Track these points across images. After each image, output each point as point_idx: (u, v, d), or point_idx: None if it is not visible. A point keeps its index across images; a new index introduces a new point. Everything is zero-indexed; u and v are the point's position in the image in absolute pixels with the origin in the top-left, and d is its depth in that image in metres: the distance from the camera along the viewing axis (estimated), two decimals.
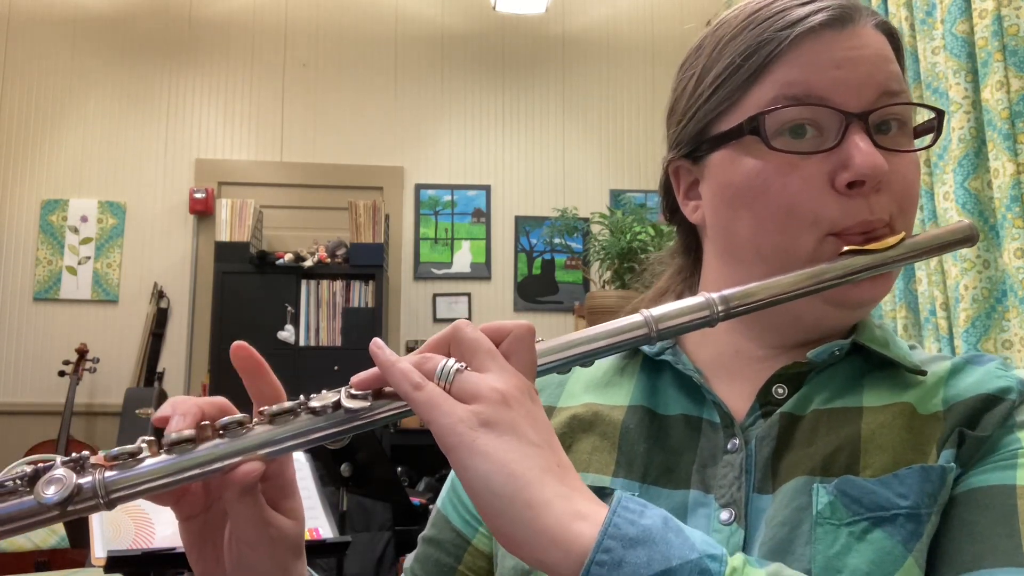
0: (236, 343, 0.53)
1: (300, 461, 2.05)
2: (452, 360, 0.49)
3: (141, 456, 0.47)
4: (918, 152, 0.62)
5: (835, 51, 0.59)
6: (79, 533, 2.94)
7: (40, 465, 0.45)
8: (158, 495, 0.50)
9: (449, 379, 0.48)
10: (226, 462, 0.48)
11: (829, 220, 0.58)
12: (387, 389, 0.50)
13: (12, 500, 0.45)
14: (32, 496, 0.44)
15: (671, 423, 0.65)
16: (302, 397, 0.50)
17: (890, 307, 2.45)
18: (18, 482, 0.45)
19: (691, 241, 0.73)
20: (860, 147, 0.57)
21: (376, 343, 0.50)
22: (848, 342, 0.62)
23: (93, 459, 0.47)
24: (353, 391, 0.50)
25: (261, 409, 0.50)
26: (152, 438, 0.48)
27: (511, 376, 0.48)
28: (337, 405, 0.49)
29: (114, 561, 1.67)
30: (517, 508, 0.44)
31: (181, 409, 0.50)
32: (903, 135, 0.61)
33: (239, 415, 0.50)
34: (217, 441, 0.48)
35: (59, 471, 0.45)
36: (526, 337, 0.51)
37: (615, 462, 0.64)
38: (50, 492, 0.44)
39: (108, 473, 0.46)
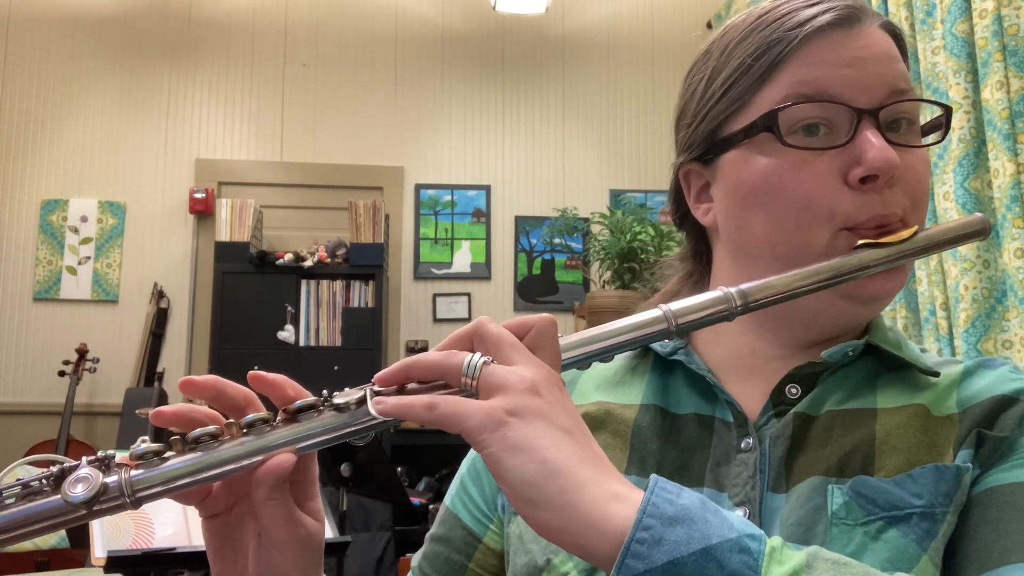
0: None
1: None
2: (478, 355, 0.48)
3: (166, 455, 0.47)
4: (926, 149, 0.62)
5: (844, 50, 0.60)
6: (79, 533, 2.94)
7: (66, 465, 0.46)
8: (183, 494, 0.49)
9: (476, 373, 0.47)
10: (252, 459, 0.48)
11: (844, 215, 0.58)
12: (411, 386, 0.50)
13: (39, 500, 0.45)
14: (59, 496, 0.45)
15: (683, 422, 0.65)
16: (325, 393, 0.50)
17: (890, 307, 2.45)
18: (44, 482, 0.45)
19: (700, 246, 0.73)
20: (872, 142, 0.58)
21: (379, 402, 0.48)
22: (862, 342, 0.62)
23: (119, 458, 0.47)
24: (377, 388, 0.49)
25: (285, 408, 0.50)
26: (177, 436, 0.48)
27: (538, 367, 0.48)
28: (362, 402, 0.49)
29: (114, 561, 1.67)
30: (551, 494, 0.43)
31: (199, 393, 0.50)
32: (912, 133, 0.62)
33: (263, 412, 0.50)
34: (242, 439, 0.48)
35: (85, 470, 0.45)
36: (549, 330, 0.51)
37: (627, 460, 0.64)
38: (77, 491, 0.44)
39: (134, 472, 0.46)
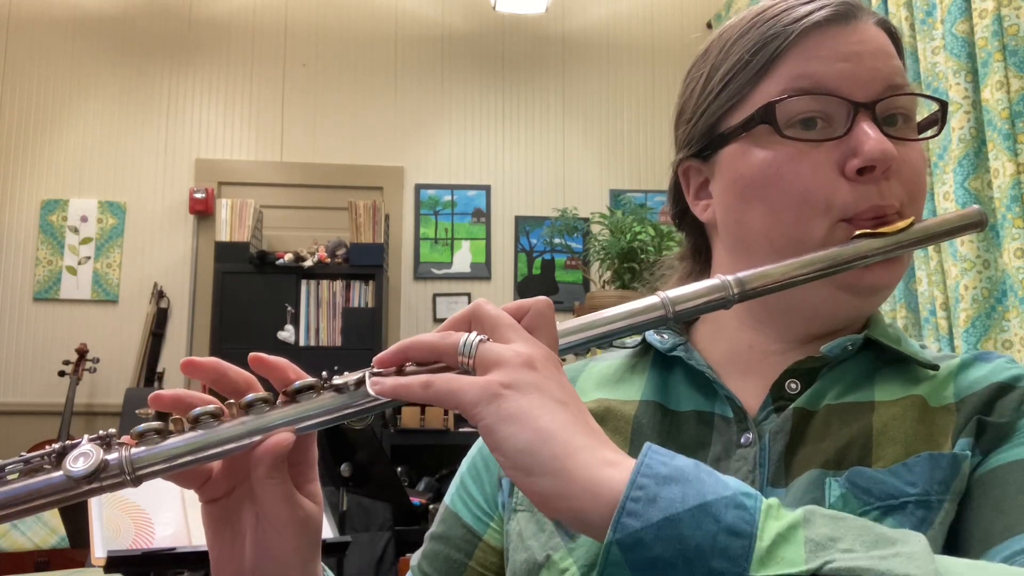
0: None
1: None
2: (474, 333, 0.49)
3: (167, 433, 0.47)
4: (923, 144, 0.63)
5: (840, 45, 0.61)
6: (79, 533, 2.94)
7: (67, 443, 0.46)
8: (182, 476, 0.50)
9: (472, 351, 0.48)
10: (252, 439, 0.48)
11: (841, 206, 0.59)
12: (409, 367, 0.50)
13: (40, 476, 0.45)
14: (60, 472, 0.45)
15: (683, 419, 0.65)
16: (324, 374, 0.50)
17: (890, 307, 2.45)
18: (45, 459, 0.45)
19: (700, 244, 0.74)
20: (869, 134, 0.58)
21: (376, 383, 0.49)
22: (861, 336, 0.63)
23: (120, 438, 0.47)
24: (376, 369, 0.50)
25: (284, 389, 0.50)
26: (178, 416, 0.48)
27: (535, 345, 0.49)
28: (360, 383, 0.49)
29: (114, 561, 1.67)
30: (545, 460, 0.43)
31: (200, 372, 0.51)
32: (909, 128, 0.63)
33: (263, 393, 0.50)
34: (243, 418, 0.48)
35: (86, 446, 0.45)
36: (546, 312, 0.51)
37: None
38: (77, 466, 0.44)
39: (134, 450, 0.46)
